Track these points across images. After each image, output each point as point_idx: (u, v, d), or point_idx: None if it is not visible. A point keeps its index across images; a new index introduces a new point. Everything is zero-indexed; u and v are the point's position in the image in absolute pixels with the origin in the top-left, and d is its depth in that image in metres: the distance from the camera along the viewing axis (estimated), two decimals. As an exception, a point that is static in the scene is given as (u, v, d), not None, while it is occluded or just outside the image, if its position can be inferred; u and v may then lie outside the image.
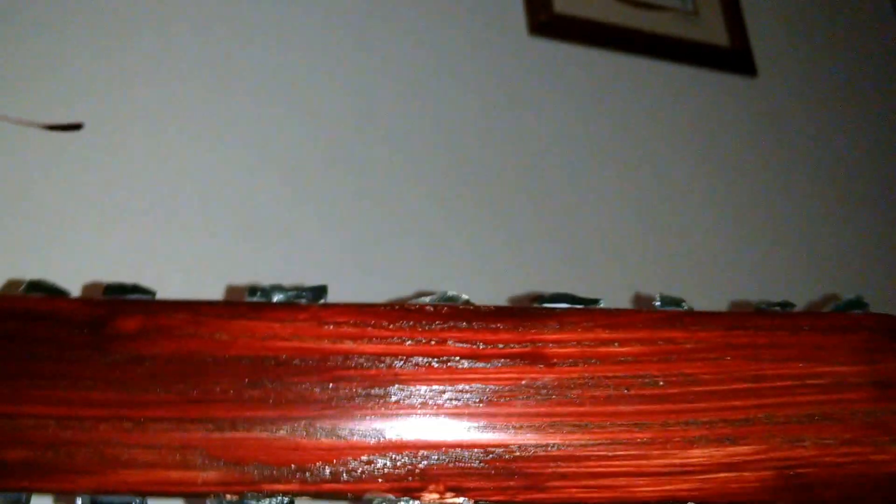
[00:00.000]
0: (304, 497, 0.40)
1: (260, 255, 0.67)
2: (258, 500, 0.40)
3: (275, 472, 0.40)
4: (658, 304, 0.43)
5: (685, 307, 0.43)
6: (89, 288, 0.56)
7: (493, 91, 0.91)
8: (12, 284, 0.55)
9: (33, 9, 0.72)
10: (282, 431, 0.40)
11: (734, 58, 1.10)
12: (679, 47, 1.06)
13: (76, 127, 0.71)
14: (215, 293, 0.63)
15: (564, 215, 0.86)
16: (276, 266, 0.67)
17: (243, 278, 0.62)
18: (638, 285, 0.76)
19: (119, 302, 0.43)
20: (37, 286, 0.44)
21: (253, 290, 0.43)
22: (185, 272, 0.62)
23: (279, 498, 0.40)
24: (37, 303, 0.43)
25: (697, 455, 0.40)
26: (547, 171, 0.88)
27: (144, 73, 0.74)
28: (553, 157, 0.90)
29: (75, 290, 0.45)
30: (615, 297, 0.44)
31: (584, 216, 0.87)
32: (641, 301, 0.72)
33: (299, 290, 0.43)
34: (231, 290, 0.63)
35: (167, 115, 0.73)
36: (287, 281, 0.44)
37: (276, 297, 0.43)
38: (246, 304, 0.43)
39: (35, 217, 0.64)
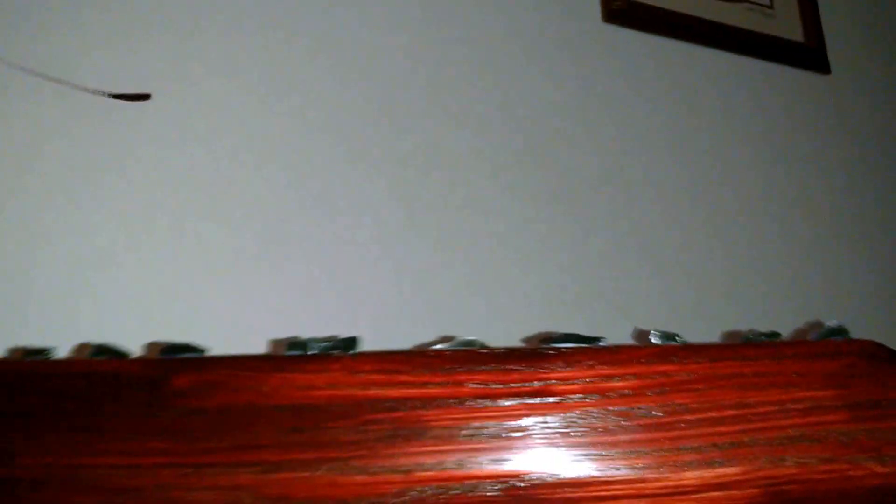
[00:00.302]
0: (344, 527, 0.46)
1: (297, 308, 0.73)
2: (304, 532, 0.46)
3: (317, 506, 0.46)
4: (655, 338, 0.48)
5: (679, 341, 0.47)
6: (147, 347, 0.62)
7: (565, 79, 0.94)
8: (82, 348, 0.61)
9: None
10: (321, 471, 0.46)
11: (808, 54, 1.11)
12: (753, 41, 1.06)
13: (144, 97, 0.76)
14: (258, 344, 0.69)
15: (637, 207, 0.89)
16: (311, 317, 0.73)
17: (283, 330, 0.69)
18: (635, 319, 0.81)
19: (173, 361, 0.49)
20: (102, 350, 0.50)
21: (292, 344, 0.49)
22: (232, 327, 0.68)
23: (322, 529, 0.46)
24: (102, 365, 0.49)
25: (690, 477, 0.44)
26: (612, 162, 0.91)
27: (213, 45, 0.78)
28: (616, 147, 0.92)
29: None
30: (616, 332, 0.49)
31: (652, 207, 0.90)
32: (641, 336, 0.77)
33: (333, 341, 0.49)
34: (273, 343, 0.70)
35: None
36: (325, 329, 0.49)
37: (312, 349, 0.49)
38: (285, 357, 0.48)
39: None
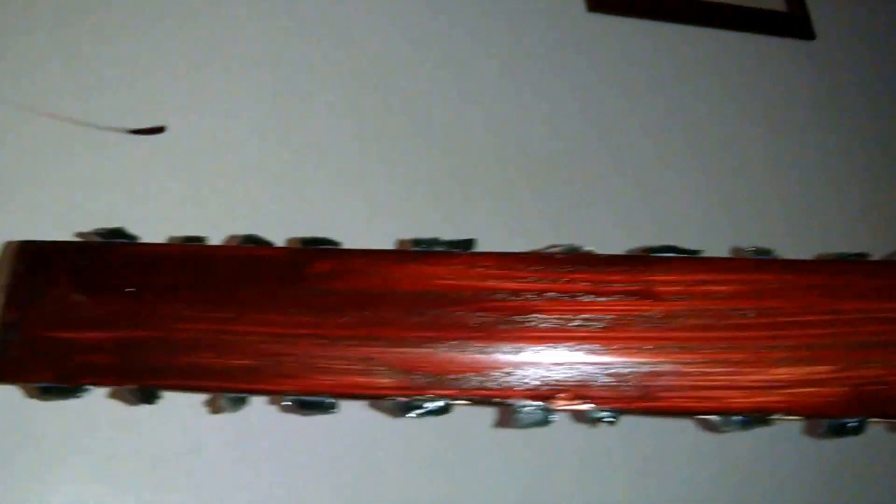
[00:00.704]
0: (458, 401, 0.51)
1: (423, 215, 0.81)
2: (423, 402, 0.51)
3: (436, 380, 0.51)
4: (752, 252, 0.52)
5: (774, 256, 0.51)
6: (289, 241, 0.69)
7: (551, 68, 0.98)
8: (232, 238, 0.68)
9: (117, 14, 0.84)
10: (441, 349, 0.51)
11: (792, 22, 1.12)
12: (737, 14, 1.08)
13: (159, 130, 0.81)
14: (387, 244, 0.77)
15: (646, 182, 0.94)
16: (434, 222, 0.80)
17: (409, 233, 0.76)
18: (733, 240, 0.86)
19: (314, 250, 0.55)
20: (250, 239, 0.56)
21: (417, 241, 0.55)
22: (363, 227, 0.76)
23: (439, 401, 0.51)
24: (252, 250, 0.56)
25: (782, 373, 0.48)
26: (618, 142, 0.96)
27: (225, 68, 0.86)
28: (619, 130, 0.97)
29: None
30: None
31: (662, 184, 0.95)
32: (738, 253, 0.81)
33: (453, 242, 0.54)
34: (400, 241, 0.76)
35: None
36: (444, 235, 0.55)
37: (436, 248, 0.54)
38: (412, 251, 0.54)
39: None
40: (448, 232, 0.55)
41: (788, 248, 0.52)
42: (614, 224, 0.91)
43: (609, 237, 0.88)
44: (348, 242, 0.55)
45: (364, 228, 0.79)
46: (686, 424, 0.78)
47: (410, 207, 0.85)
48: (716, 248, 0.54)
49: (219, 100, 0.84)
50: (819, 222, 1.00)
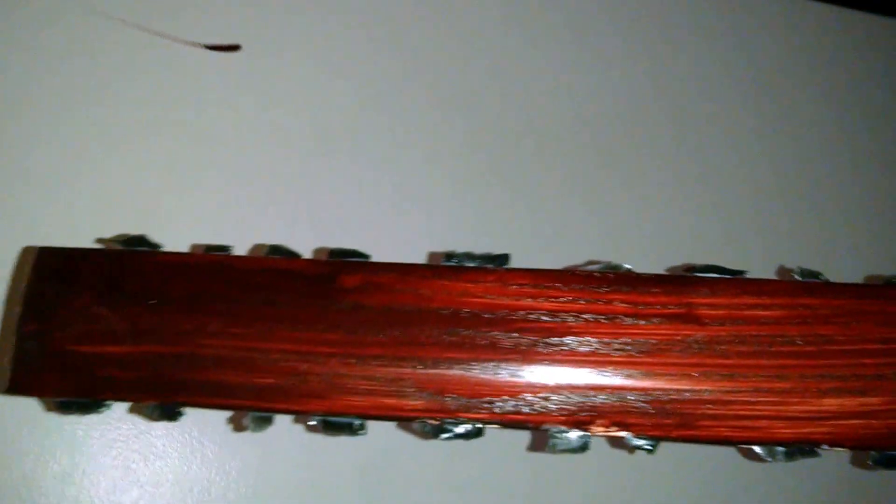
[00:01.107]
0: (491, 425, 0.49)
1: (454, 225, 0.78)
2: (454, 425, 0.50)
3: (468, 402, 0.49)
4: (797, 276, 0.50)
5: (822, 279, 0.49)
6: (316, 252, 0.67)
7: (602, 64, 0.95)
8: (257, 248, 0.67)
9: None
10: (474, 370, 0.50)
11: None
12: None
13: (234, 48, 0.80)
14: (419, 257, 0.75)
15: (709, 185, 0.91)
16: (466, 236, 0.78)
17: (440, 246, 0.74)
18: (781, 259, 0.83)
19: (342, 262, 0.53)
20: (277, 250, 0.55)
21: (449, 255, 0.53)
22: (390, 238, 0.74)
23: (471, 424, 0.50)
24: (278, 262, 0.54)
25: (831, 404, 0.46)
26: (661, 149, 0.93)
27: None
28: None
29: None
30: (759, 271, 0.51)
31: (725, 184, 0.92)
32: (784, 273, 0.78)
33: (487, 257, 0.52)
34: (431, 255, 0.74)
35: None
36: (475, 249, 0.53)
37: (468, 263, 0.52)
38: (444, 266, 0.52)
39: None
40: (482, 242, 0.54)
41: (837, 269, 0.50)
42: (654, 239, 0.89)
43: (649, 252, 0.85)
44: (377, 254, 0.54)
45: (394, 238, 0.77)
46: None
47: (444, 217, 0.83)
48: (758, 266, 0.52)
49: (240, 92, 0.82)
50: (873, 239, 0.96)
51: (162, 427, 0.75)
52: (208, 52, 0.77)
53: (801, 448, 0.47)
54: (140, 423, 0.75)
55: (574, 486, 0.81)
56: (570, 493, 0.81)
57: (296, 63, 0.82)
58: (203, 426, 0.75)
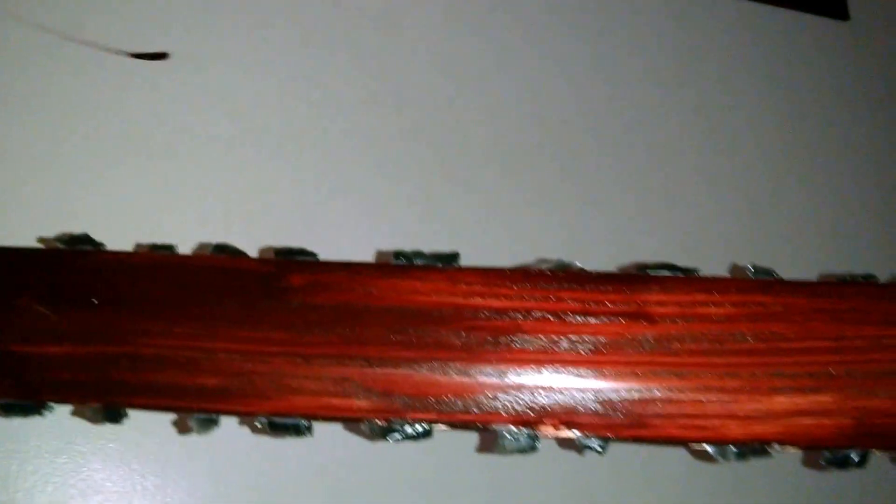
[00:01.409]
0: (439, 425, 0.48)
1: (403, 224, 0.77)
2: (402, 426, 0.49)
3: (416, 402, 0.48)
4: (750, 273, 0.49)
5: (775, 276, 0.48)
6: (263, 251, 0.66)
7: (546, 60, 0.94)
8: (202, 247, 0.65)
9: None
10: (422, 370, 0.49)
11: (826, 1, 1.08)
12: None
13: (161, 56, 0.77)
14: (367, 256, 0.73)
15: (662, 185, 0.90)
16: (415, 233, 0.77)
17: (389, 245, 0.72)
18: (734, 257, 0.82)
19: (289, 261, 0.52)
20: (222, 248, 0.53)
21: (398, 254, 0.52)
22: (337, 237, 0.73)
23: (419, 425, 0.49)
24: (223, 261, 0.53)
25: (782, 402, 0.45)
26: (612, 142, 0.92)
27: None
28: (615, 128, 0.93)
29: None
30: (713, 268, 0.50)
31: (683, 183, 0.91)
32: (737, 271, 0.78)
33: (436, 255, 0.51)
34: (379, 254, 0.73)
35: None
36: (424, 247, 0.52)
37: (417, 261, 0.51)
38: (392, 265, 0.51)
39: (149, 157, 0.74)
40: (432, 241, 0.53)
41: (790, 267, 0.49)
42: (606, 237, 0.88)
43: (601, 252, 0.84)
44: (325, 253, 0.52)
45: (342, 237, 0.75)
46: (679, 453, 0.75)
47: (392, 214, 0.81)
48: (714, 265, 0.51)
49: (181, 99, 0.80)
50: (829, 238, 0.96)
51: (100, 461, 0.73)
52: (135, 60, 0.75)
53: (752, 448, 0.46)
54: (77, 456, 0.72)
55: (524, 487, 0.81)
56: (520, 495, 0.80)
57: (233, 64, 0.80)
58: (144, 458, 0.73)
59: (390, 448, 0.55)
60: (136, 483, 0.74)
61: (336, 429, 0.73)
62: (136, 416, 0.73)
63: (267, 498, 0.76)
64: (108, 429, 0.73)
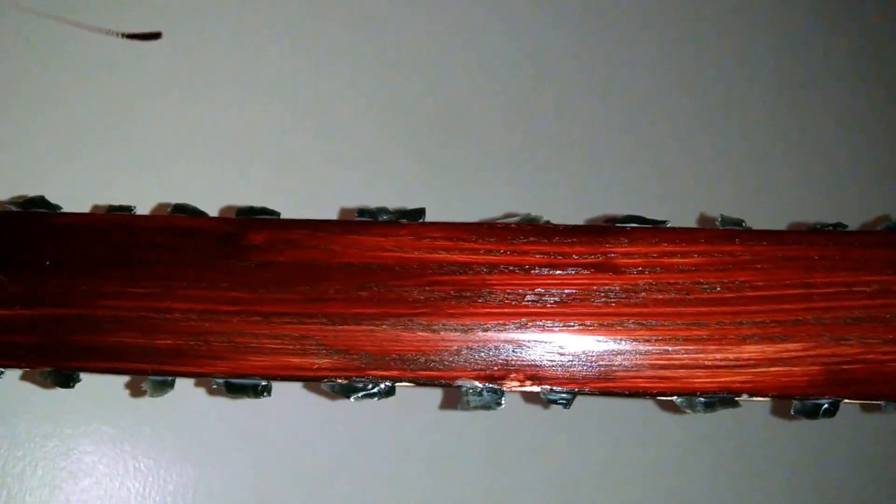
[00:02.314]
0: (403, 382, 0.47)
1: (368, 183, 0.76)
2: (364, 384, 0.47)
3: (378, 360, 0.47)
4: (719, 223, 0.48)
5: (744, 227, 0.47)
6: (224, 210, 0.65)
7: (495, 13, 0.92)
8: (160, 207, 0.64)
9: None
10: (385, 326, 0.47)
11: None
12: None
13: (155, 36, 0.75)
14: (330, 215, 0.72)
15: (637, 136, 0.89)
16: (381, 192, 0.75)
17: (353, 202, 0.71)
18: (703, 207, 0.82)
19: (249, 220, 0.51)
20: (181, 209, 0.52)
21: (362, 211, 0.50)
22: (301, 194, 0.71)
23: (382, 382, 0.47)
24: (182, 220, 0.51)
25: (750, 351, 0.44)
26: (576, 94, 0.90)
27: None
28: (577, 79, 0.92)
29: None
30: (683, 220, 0.49)
31: (651, 136, 0.89)
32: (705, 221, 0.77)
33: (401, 212, 0.50)
34: (343, 211, 0.72)
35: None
36: (389, 205, 0.51)
37: (382, 217, 0.50)
38: (356, 221, 0.50)
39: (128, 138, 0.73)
40: (397, 198, 0.52)
41: (760, 218, 0.48)
42: (574, 192, 0.86)
43: (569, 207, 0.83)
44: (287, 212, 0.51)
45: (306, 198, 0.74)
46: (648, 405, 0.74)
47: (357, 175, 0.79)
48: (683, 218, 0.50)
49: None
50: (800, 188, 0.94)
51: (91, 443, 0.71)
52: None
53: (721, 398, 0.45)
54: (67, 439, 0.71)
55: (492, 446, 0.79)
56: (489, 453, 0.78)
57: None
58: (136, 440, 0.72)
59: (352, 406, 0.53)
60: (129, 465, 0.72)
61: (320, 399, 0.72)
62: (130, 402, 0.72)
63: (262, 477, 0.74)
64: (99, 412, 0.71)
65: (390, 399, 0.47)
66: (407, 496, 0.78)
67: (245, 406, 0.73)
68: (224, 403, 0.72)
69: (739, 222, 0.48)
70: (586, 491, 0.83)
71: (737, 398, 0.44)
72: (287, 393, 0.72)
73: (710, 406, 0.45)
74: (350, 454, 0.77)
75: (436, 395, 0.75)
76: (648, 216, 0.48)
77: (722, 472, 0.87)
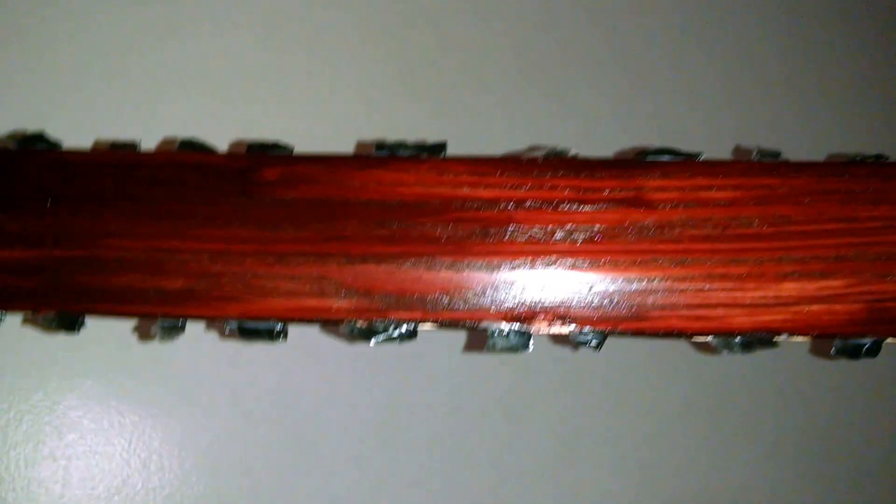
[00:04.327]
0: (425, 324, 0.45)
1: (383, 115, 0.72)
2: (385, 327, 0.45)
3: (399, 300, 0.45)
4: (755, 156, 0.46)
5: (781, 159, 0.45)
6: (234, 145, 0.62)
7: None
8: (167, 143, 0.61)
9: None
10: (406, 265, 0.45)
11: None
12: None
13: None
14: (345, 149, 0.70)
15: (663, 69, 0.85)
16: (398, 124, 0.72)
17: (370, 135, 0.68)
18: (739, 139, 0.79)
19: (261, 155, 0.48)
20: (189, 144, 0.49)
21: (380, 145, 0.48)
22: (315, 129, 0.68)
23: (403, 324, 0.45)
24: (190, 157, 0.48)
25: (790, 288, 0.43)
26: (607, 25, 0.86)
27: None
28: (608, 11, 0.88)
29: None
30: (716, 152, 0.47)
31: (677, 70, 0.86)
32: (741, 153, 0.75)
33: (421, 146, 0.48)
34: (360, 145, 0.69)
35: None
36: (408, 137, 0.48)
37: (401, 152, 0.48)
38: (374, 156, 0.47)
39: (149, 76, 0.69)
40: (416, 130, 0.49)
41: (800, 149, 0.46)
42: (604, 123, 0.83)
43: (598, 138, 0.81)
44: (302, 147, 0.49)
45: (321, 130, 0.71)
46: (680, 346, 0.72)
47: (373, 100, 0.76)
48: (718, 150, 0.48)
49: None
50: (836, 119, 0.91)
51: (76, 398, 0.69)
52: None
53: (759, 338, 0.43)
54: (53, 393, 0.69)
55: (517, 388, 0.78)
56: (514, 396, 0.77)
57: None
58: (122, 396, 0.70)
59: (369, 350, 0.51)
60: (114, 420, 0.70)
61: (313, 332, 0.70)
62: (116, 356, 0.69)
63: (249, 433, 0.73)
64: (85, 366, 0.69)
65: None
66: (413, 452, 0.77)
67: (232, 360, 0.71)
68: (211, 357, 0.71)
69: (777, 154, 0.45)
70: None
71: (776, 338, 0.43)
72: (279, 347, 0.70)
73: (747, 346, 0.43)
74: (344, 411, 0.76)
75: (459, 337, 0.74)
76: (681, 148, 0.46)
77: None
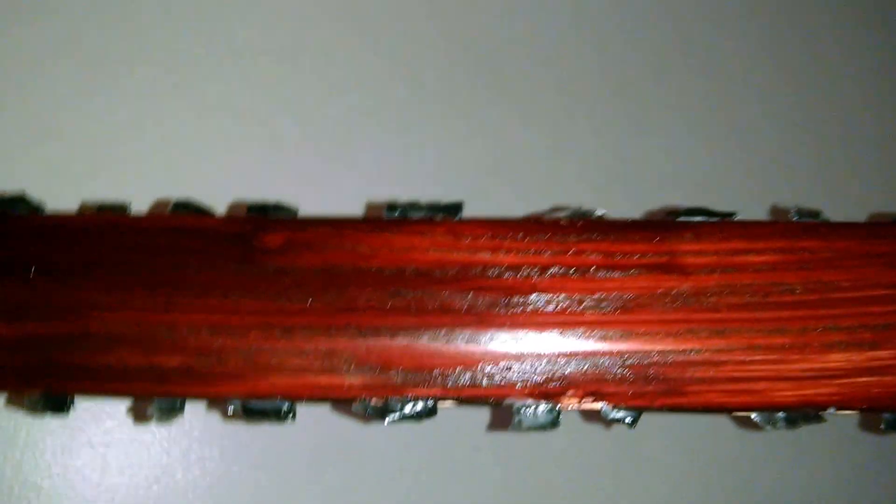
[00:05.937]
0: (445, 401, 0.42)
1: (397, 172, 0.69)
2: (402, 404, 0.42)
3: (417, 377, 0.42)
4: (794, 216, 0.43)
5: (822, 219, 0.43)
6: (233, 207, 0.58)
7: None
8: (160, 205, 0.58)
9: None
10: (423, 338, 0.42)
11: None
12: None
13: None
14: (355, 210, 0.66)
15: (694, 118, 0.82)
16: (413, 183, 0.69)
17: (381, 195, 0.65)
18: (775, 198, 0.76)
19: (263, 219, 0.45)
20: (184, 206, 0.46)
21: (391, 207, 0.45)
22: (322, 189, 0.64)
23: (422, 402, 0.42)
24: (186, 220, 0.45)
25: (837, 360, 0.40)
26: (628, 81, 0.84)
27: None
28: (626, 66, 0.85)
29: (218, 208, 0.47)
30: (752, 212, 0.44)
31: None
32: (778, 213, 0.72)
33: (436, 206, 0.45)
34: (370, 206, 0.66)
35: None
36: (421, 197, 0.45)
37: (413, 214, 0.45)
38: (385, 219, 0.44)
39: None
40: (430, 189, 0.46)
41: (838, 209, 0.44)
42: (630, 179, 0.79)
43: (624, 196, 0.77)
44: (305, 207, 0.45)
45: (326, 188, 0.67)
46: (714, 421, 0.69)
47: (384, 157, 0.72)
48: (751, 209, 0.46)
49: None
50: (871, 177, 0.89)
51: None
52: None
53: (804, 413, 0.40)
54: None
55: (543, 468, 0.74)
56: (539, 477, 0.74)
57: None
58: None
59: (386, 430, 0.48)
60: None
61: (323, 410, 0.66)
62: None
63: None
64: None
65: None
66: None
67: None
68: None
69: (817, 214, 0.43)
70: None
71: (822, 412, 0.40)
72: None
73: (792, 422, 0.40)
74: (363, 465, 0.72)
75: (483, 414, 0.71)
76: (713, 208, 0.43)
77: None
